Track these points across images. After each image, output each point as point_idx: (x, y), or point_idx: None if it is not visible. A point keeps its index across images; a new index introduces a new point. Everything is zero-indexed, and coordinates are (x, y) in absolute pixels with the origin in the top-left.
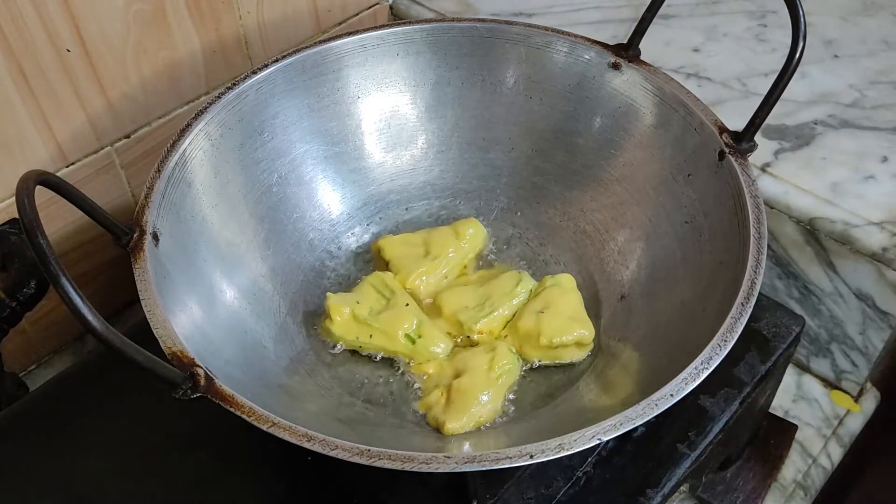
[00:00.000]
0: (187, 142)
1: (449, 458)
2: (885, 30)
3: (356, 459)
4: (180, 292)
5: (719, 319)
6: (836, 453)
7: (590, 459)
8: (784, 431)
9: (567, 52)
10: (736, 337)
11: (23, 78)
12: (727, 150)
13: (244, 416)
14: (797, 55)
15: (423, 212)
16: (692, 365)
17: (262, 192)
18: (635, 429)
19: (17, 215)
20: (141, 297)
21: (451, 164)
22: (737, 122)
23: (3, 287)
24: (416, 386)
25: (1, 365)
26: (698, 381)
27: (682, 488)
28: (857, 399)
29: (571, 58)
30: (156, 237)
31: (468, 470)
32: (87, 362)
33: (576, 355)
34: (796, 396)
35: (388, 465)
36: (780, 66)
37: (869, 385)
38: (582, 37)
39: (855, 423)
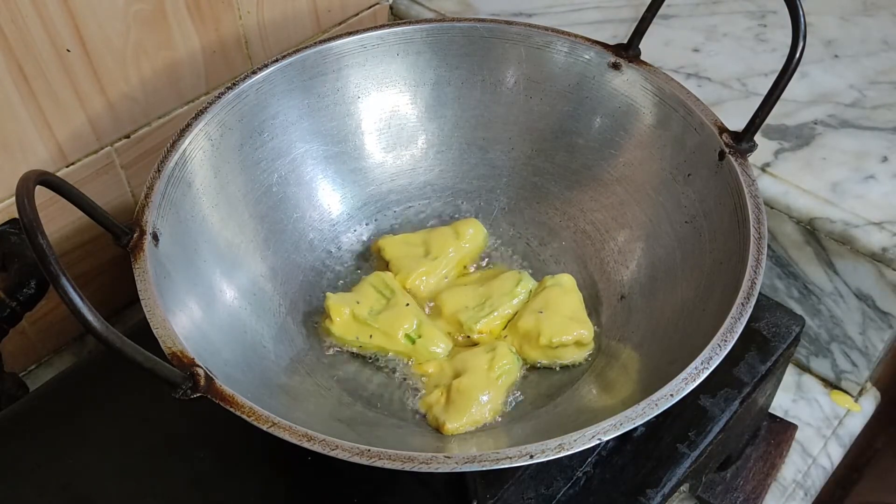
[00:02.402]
0: (187, 142)
1: (449, 458)
2: (885, 30)
3: (356, 459)
4: (180, 292)
5: (719, 319)
6: (836, 453)
7: (590, 459)
8: (784, 431)
9: (567, 52)
10: (736, 337)
11: (23, 78)
12: (727, 149)
13: (244, 417)
14: (797, 55)
15: (423, 212)
16: (692, 365)
17: (262, 192)
18: (635, 429)
19: (17, 215)
20: (141, 298)
21: (451, 164)
22: (737, 122)
23: (3, 287)
24: (415, 386)
25: (1, 365)
26: (698, 381)
27: (682, 488)
28: (857, 399)
29: (571, 58)
30: (156, 237)
31: (468, 470)
32: (87, 362)
33: (576, 355)
34: (796, 396)
35: (388, 465)
36: (780, 66)
37: (869, 385)
38: (582, 37)
39: (855, 423)
